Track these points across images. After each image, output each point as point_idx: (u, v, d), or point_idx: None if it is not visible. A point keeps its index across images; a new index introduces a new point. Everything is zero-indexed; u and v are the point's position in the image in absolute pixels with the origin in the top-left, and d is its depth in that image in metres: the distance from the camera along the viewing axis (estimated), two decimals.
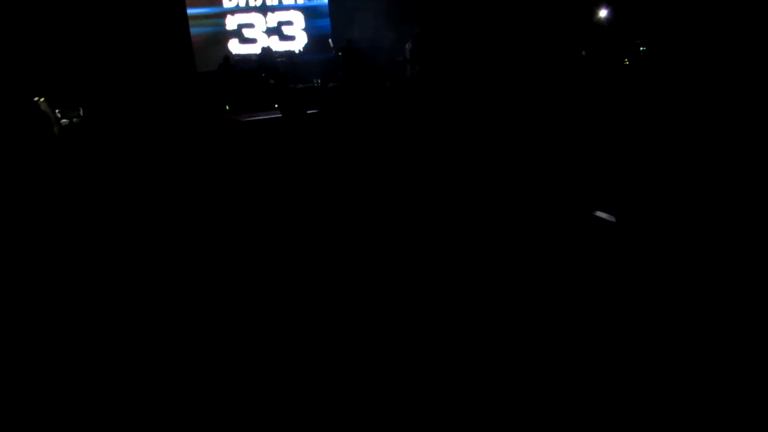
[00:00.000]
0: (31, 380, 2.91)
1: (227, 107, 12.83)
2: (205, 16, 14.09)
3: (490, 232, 4.21)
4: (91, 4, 12.01)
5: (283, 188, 5.01)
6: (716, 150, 5.10)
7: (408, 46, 13.40)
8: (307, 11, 15.17)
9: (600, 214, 4.07)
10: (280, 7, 14.91)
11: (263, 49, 14.53)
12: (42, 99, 10.43)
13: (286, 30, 14.98)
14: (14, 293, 3.80)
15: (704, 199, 4.09)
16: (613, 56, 11.54)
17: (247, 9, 14.56)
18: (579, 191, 4.72)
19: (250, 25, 14.60)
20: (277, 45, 14.84)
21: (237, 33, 14.45)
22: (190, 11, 13.82)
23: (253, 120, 10.94)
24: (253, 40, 14.59)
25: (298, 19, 15.09)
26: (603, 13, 11.31)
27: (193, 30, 13.92)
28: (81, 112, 11.42)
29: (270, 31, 14.79)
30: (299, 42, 15.15)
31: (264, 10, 14.72)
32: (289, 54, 14.98)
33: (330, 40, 13.95)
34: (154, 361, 3.01)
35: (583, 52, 11.75)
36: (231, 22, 14.39)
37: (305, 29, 15.16)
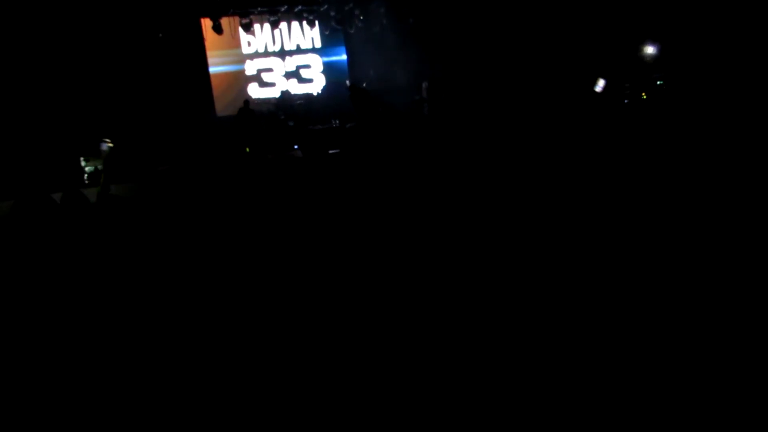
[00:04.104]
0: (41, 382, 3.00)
1: (247, 149, 13.00)
2: (225, 62, 14.40)
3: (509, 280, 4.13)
4: (113, 52, 12.36)
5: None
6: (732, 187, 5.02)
7: (425, 85, 13.56)
8: (325, 54, 15.44)
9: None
10: (299, 51, 15.21)
11: (282, 92, 14.77)
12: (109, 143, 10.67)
13: (305, 73, 15.24)
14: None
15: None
16: (631, 91, 11.55)
17: (266, 54, 14.88)
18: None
19: (269, 70, 14.89)
20: (295, 88, 15.09)
21: (256, 77, 14.74)
22: (211, 62, 14.15)
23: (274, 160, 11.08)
24: (272, 84, 14.86)
25: (316, 62, 15.37)
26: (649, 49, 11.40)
27: (213, 75, 14.22)
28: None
29: (288, 75, 15.06)
30: (317, 84, 15.40)
31: (282, 54, 15.04)
32: (308, 96, 15.21)
33: (347, 82, 14.16)
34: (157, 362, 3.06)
35: (599, 88, 11.75)
36: (250, 67, 14.70)
37: (323, 72, 15.42)
